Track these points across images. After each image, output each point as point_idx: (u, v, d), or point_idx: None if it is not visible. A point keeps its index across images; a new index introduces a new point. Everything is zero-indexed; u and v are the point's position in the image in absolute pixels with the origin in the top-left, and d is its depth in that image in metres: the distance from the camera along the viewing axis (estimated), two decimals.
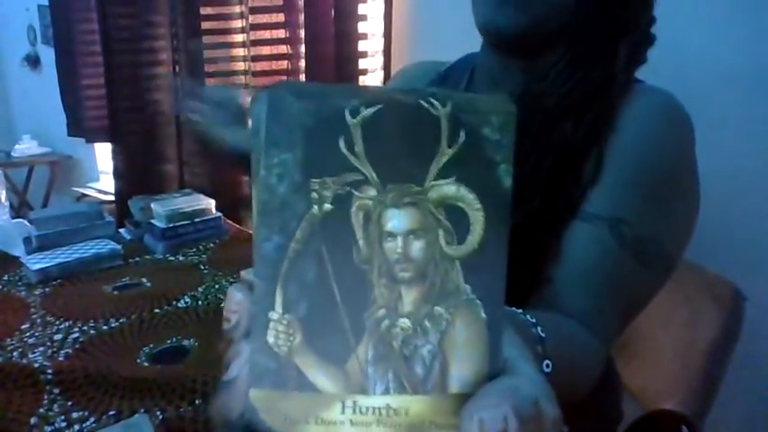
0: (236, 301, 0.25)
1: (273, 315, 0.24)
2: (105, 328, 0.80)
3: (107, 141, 2.37)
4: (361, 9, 1.75)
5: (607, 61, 0.67)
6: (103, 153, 3.38)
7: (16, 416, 0.59)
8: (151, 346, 0.74)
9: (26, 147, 4.04)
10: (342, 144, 0.24)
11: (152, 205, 1.38)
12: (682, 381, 0.83)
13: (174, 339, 0.76)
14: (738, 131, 1.10)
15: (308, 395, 0.24)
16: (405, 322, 0.25)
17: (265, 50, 1.95)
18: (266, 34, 1.94)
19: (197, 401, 0.61)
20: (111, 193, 2.57)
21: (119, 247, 1.21)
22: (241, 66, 1.99)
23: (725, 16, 1.10)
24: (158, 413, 0.59)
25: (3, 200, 1.42)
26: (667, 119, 0.65)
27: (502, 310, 0.26)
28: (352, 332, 0.24)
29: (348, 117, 0.24)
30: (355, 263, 0.24)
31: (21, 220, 1.30)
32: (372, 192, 0.25)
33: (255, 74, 1.95)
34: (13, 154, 3.98)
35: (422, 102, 0.25)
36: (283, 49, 1.92)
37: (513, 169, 0.26)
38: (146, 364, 0.70)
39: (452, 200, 0.25)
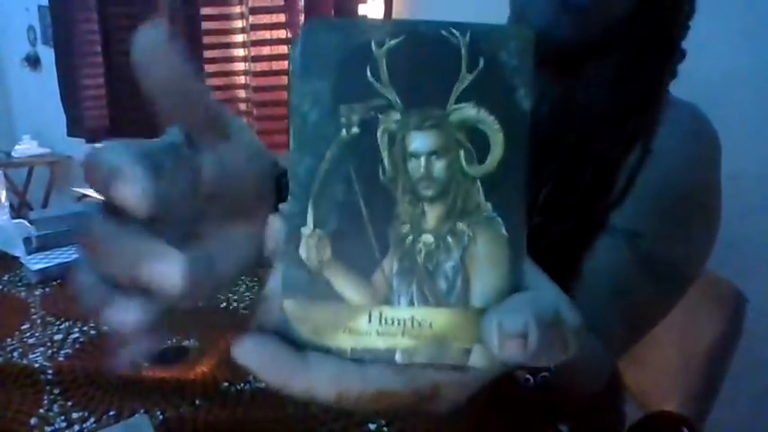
0: (276, 228, 0.27)
1: (306, 231, 0.26)
2: (105, 328, 0.80)
3: (107, 141, 2.37)
4: (361, 9, 1.75)
5: (650, 77, 0.65)
6: None
7: (16, 416, 0.59)
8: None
9: (26, 147, 4.04)
10: (368, 73, 0.26)
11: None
12: (682, 382, 0.83)
13: (174, 339, 0.76)
14: (738, 132, 1.10)
15: (338, 305, 0.26)
16: (428, 238, 0.26)
17: (265, 50, 1.96)
18: (266, 34, 1.94)
19: (197, 401, 0.61)
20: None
21: None
22: (241, 66, 1.99)
23: (724, 17, 1.10)
24: (158, 413, 0.59)
25: (3, 200, 1.42)
26: (702, 144, 0.63)
27: (522, 228, 0.27)
28: (377, 246, 0.26)
29: (374, 48, 0.26)
30: (381, 182, 0.26)
31: (21, 220, 1.30)
32: (397, 116, 0.26)
33: (255, 74, 1.95)
34: (13, 154, 3.98)
35: (442, 32, 0.27)
36: (283, 49, 1.92)
37: (532, 93, 0.28)
38: (146, 364, 0.70)
39: (473, 122, 0.27)
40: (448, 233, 0.27)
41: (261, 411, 0.60)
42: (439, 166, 0.27)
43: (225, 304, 0.87)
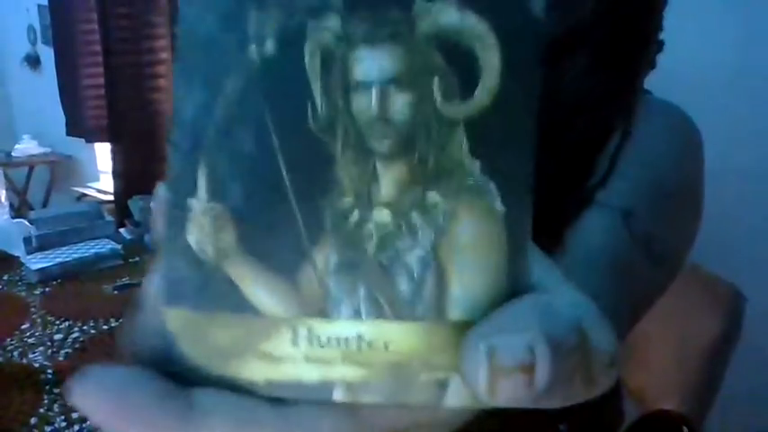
0: (160, 199, 0.18)
1: (195, 204, 0.17)
2: (105, 328, 0.80)
3: (107, 141, 2.37)
4: None
5: (624, 67, 0.67)
6: (103, 153, 3.38)
7: (16, 416, 0.59)
8: None
9: (26, 147, 4.04)
10: None
11: (152, 205, 1.38)
12: (682, 381, 0.83)
13: None
14: (738, 132, 1.10)
15: (246, 318, 0.16)
16: (382, 215, 0.17)
17: None
18: None
19: None
20: (111, 193, 2.57)
21: (119, 246, 1.21)
22: None
23: (717, 17, 1.10)
24: None
25: (3, 200, 1.42)
26: (688, 133, 0.66)
27: (528, 200, 0.18)
28: (305, 229, 0.16)
29: None
30: (310, 129, 0.16)
31: (21, 220, 1.30)
32: (335, 21, 0.16)
33: None
34: (13, 154, 3.98)
35: None
36: None
37: None
38: None
39: (453, 32, 0.17)
40: (413, 207, 0.17)
41: None
42: (401, 101, 0.17)
43: None
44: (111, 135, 2.22)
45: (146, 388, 0.14)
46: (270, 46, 0.16)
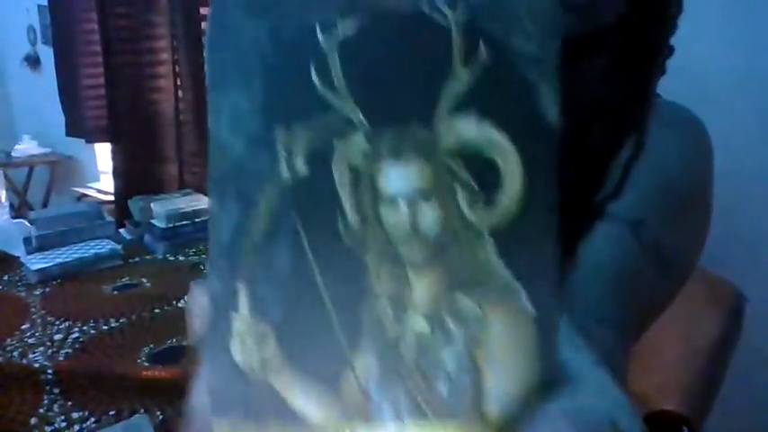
0: (201, 306, 0.19)
1: (237, 320, 0.17)
2: (105, 328, 0.80)
3: (107, 141, 2.37)
4: None
5: (640, 73, 0.67)
6: (103, 153, 3.38)
7: (16, 416, 0.59)
8: (151, 346, 0.74)
9: (26, 147, 4.04)
10: (314, 74, 0.16)
11: (152, 205, 1.37)
12: (682, 381, 0.83)
13: (173, 339, 0.76)
14: (738, 132, 1.10)
15: (292, 427, 0.17)
16: (418, 321, 0.17)
17: None
18: None
19: None
20: (111, 193, 2.57)
21: (119, 247, 1.21)
22: None
23: (725, 20, 1.10)
24: (158, 413, 0.59)
25: (3, 200, 1.42)
26: (697, 138, 0.66)
27: (555, 298, 0.19)
28: (345, 338, 0.17)
29: (320, 35, 0.16)
30: (344, 242, 0.17)
31: (21, 220, 1.30)
32: (361, 140, 0.17)
33: None
34: (13, 154, 3.98)
35: (423, 8, 0.17)
36: None
37: (559, 95, 0.17)
38: (146, 364, 0.70)
39: (475, 144, 0.18)
40: (447, 312, 0.17)
41: None
42: (429, 213, 0.17)
43: None
44: (111, 135, 2.21)
45: None
46: (300, 164, 0.17)
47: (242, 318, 0.17)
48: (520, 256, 0.18)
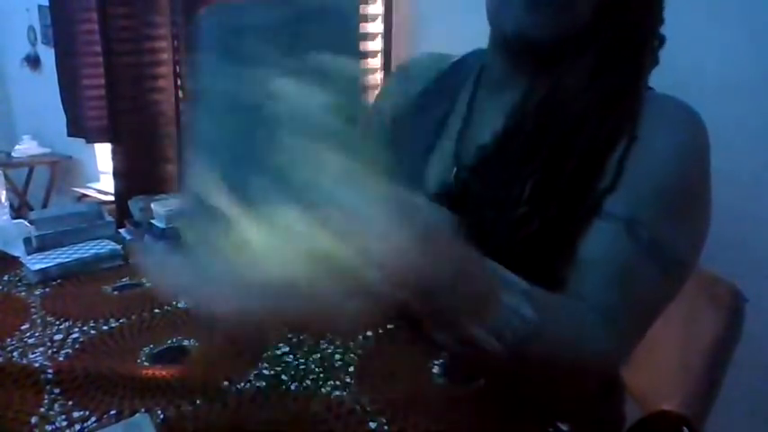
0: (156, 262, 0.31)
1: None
2: (105, 328, 0.80)
3: (107, 141, 2.37)
4: (361, 9, 1.75)
5: (628, 67, 0.67)
6: (103, 153, 3.38)
7: (17, 415, 0.59)
8: (151, 346, 0.74)
9: (26, 147, 4.04)
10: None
11: (152, 205, 1.37)
12: (682, 382, 0.83)
13: (173, 339, 0.76)
14: (738, 132, 1.10)
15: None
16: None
17: None
18: None
19: (197, 401, 0.61)
20: (111, 193, 2.57)
21: (119, 247, 1.21)
22: None
23: (726, 23, 1.10)
24: (159, 413, 0.59)
25: (3, 200, 1.42)
26: (692, 132, 0.65)
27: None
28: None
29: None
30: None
31: (21, 220, 1.30)
32: None
33: None
34: (13, 154, 3.98)
35: None
36: None
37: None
38: (146, 363, 0.70)
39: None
40: None
41: (261, 411, 0.60)
42: None
43: None
44: (111, 135, 2.21)
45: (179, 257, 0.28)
46: None
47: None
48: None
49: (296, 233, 0.26)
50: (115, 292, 0.98)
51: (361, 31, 1.77)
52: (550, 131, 0.65)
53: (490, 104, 0.75)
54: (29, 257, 1.07)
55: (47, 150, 4.08)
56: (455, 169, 0.74)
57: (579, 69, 0.68)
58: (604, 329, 0.59)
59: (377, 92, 1.00)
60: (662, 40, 0.70)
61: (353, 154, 0.27)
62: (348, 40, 0.29)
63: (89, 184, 3.50)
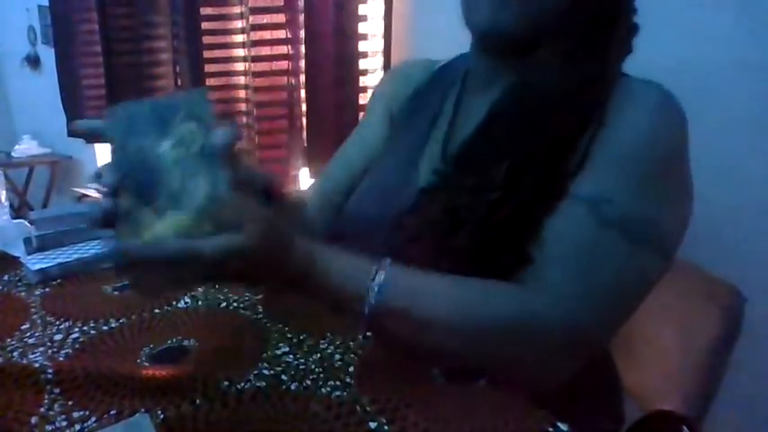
0: None
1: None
2: (105, 328, 0.80)
3: (107, 142, 2.37)
4: (362, 9, 1.75)
5: (598, 53, 0.68)
6: (103, 153, 3.38)
7: (17, 415, 0.59)
8: (151, 346, 0.74)
9: (26, 147, 4.04)
10: None
11: None
12: (681, 381, 0.83)
13: (173, 339, 0.76)
14: (738, 131, 1.10)
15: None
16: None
17: (265, 51, 1.95)
18: (266, 35, 1.94)
19: (197, 401, 0.61)
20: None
21: None
22: (241, 66, 1.99)
23: (733, 13, 1.10)
24: (159, 413, 0.59)
25: (3, 200, 1.42)
26: (659, 109, 0.66)
27: None
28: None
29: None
30: None
31: (21, 220, 1.30)
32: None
33: (255, 74, 1.96)
34: (13, 154, 3.99)
35: None
36: (283, 49, 1.93)
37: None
38: (146, 364, 0.71)
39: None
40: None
41: (261, 411, 0.60)
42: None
43: (225, 304, 0.88)
44: None
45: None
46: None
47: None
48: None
49: (173, 222, 0.50)
50: (115, 292, 0.98)
51: (360, 31, 1.77)
52: (524, 119, 0.68)
53: (475, 104, 0.78)
54: (29, 257, 1.07)
55: (47, 150, 4.08)
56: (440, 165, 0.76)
57: (550, 58, 0.70)
58: (575, 308, 0.61)
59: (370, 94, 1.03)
60: (635, 28, 0.71)
61: (209, 180, 0.50)
62: (201, 116, 0.51)
63: (89, 184, 3.50)
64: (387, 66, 1.76)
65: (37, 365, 0.68)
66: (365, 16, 1.77)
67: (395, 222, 0.74)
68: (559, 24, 0.70)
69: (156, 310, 0.87)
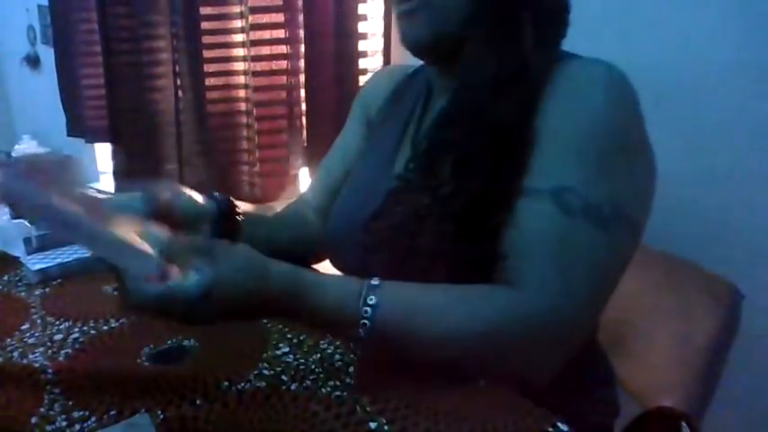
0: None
1: None
2: (105, 328, 0.80)
3: (107, 141, 2.37)
4: (361, 9, 1.75)
5: (523, 43, 0.69)
6: (103, 153, 3.38)
7: (17, 415, 0.59)
8: (151, 346, 0.75)
9: (26, 147, 4.04)
10: None
11: None
12: (680, 378, 0.84)
13: (173, 339, 0.76)
14: (738, 130, 1.10)
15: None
16: None
17: (265, 50, 1.95)
18: (266, 34, 1.94)
19: (197, 401, 0.61)
20: (111, 193, 2.56)
21: None
22: (241, 66, 1.99)
23: (727, 13, 1.10)
24: (159, 413, 0.59)
25: None
26: (604, 86, 0.66)
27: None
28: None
29: None
30: None
31: (21, 220, 1.30)
32: None
33: (255, 74, 1.95)
34: (13, 154, 3.98)
35: None
36: (283, 49, 1.92)
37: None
38: (146, 364, 0.71)
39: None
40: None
41: (261, 411, 0.60)
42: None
43: None
44: (111, 135, 2.22)
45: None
46: None
47: None
48: None
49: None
50: (115, 292, 0.98)
51: (360, 30, 1.77)
52: (464, 113, 0.70)
53: (437, 106, 0.80)
54: (29, 257, 1.07)
55: (47, 150, 4.08)
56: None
57: (474, 54, 0.71)
58: (556, 300, 0.61)
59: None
60: (563, 9, 0.72)
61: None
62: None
63: (89, 184, 3.50)
64: (386, 65, 1.76)
65: (37, 365, 0.68)
66: (365, 15, 1.76)
67: (366, 225, 0.76)
68: (470, 24, 0.71)
69: None
